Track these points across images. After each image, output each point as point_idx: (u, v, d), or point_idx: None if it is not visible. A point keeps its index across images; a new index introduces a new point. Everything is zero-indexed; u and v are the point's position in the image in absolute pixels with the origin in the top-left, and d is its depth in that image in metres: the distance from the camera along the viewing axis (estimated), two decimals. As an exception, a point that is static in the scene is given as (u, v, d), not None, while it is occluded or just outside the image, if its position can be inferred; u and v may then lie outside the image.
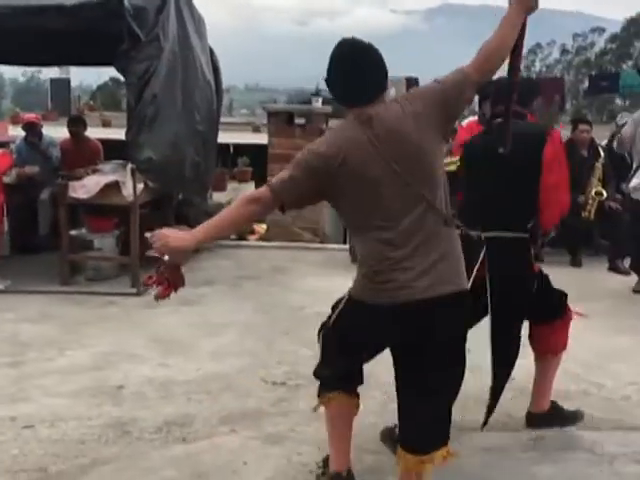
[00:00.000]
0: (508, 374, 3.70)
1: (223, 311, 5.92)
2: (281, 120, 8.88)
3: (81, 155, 8.02)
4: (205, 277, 7.02)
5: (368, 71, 2.64)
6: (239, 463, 3.42)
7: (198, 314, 5.81)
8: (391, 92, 12.89)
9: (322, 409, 3.18)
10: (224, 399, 4.15)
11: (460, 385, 2.78)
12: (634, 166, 6.46)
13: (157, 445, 3.59)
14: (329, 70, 2.69)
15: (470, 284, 3.00)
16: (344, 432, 3.14)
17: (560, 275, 7.36)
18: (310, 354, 4.89)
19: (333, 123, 13.01)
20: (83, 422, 3.81)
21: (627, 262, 7.30)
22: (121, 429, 3.74)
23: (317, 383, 4.38)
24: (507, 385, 4.40)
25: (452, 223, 2.66)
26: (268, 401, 4.15)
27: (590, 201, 7.65)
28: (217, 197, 9.34)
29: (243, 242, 8.84)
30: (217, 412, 3.97)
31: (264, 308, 6.01)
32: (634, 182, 6.34)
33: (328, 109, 9.18)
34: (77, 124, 8.53)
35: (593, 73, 18.89)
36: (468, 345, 2.75)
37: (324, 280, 6.94)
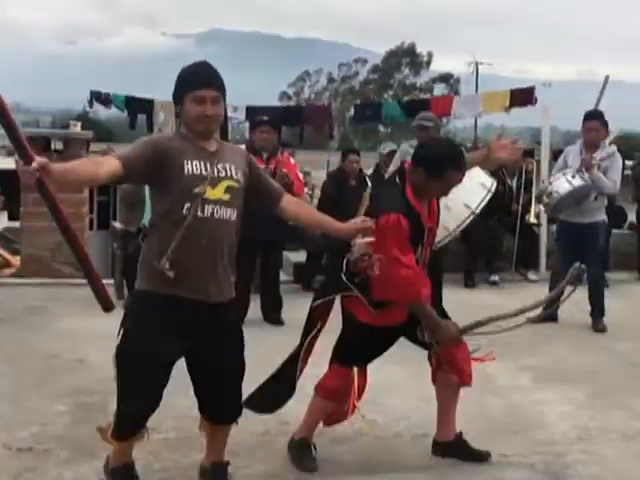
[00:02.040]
0: None
1: (-38, 364, 5.17)
2: (36, 145, 8.11)
3: None
4: (-56, 323, 6.19)
5: None
6: None
7: None
8: (160, 116, 12.34)
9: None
10: (-45, 476, 3.54)
11: None
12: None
13: None
14: None
15: None
16: None
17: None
18: (63, 410, 4.38)
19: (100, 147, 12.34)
20: None
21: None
22: None
23: (69, 446, 3.90)
24: (279, 429, 4.21)
25: None
26: (10, 473, 3.57)
27: (359, 230, 7.71)
28: (-36, 230, 8.39)
29: (-7, 279, 7.99)
30: (-55, 494, 3.36)
31: (12, 357, 5.32)
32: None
33: (89, 134, 8.56)
34: None
35: (358, 102, 19.65)
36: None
37: (86, 320, 6.34)
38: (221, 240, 3.15)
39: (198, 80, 3.10)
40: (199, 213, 3.06)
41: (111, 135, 32.55)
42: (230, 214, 3.15)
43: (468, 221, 5.67)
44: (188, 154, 3.10)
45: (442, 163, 3.46)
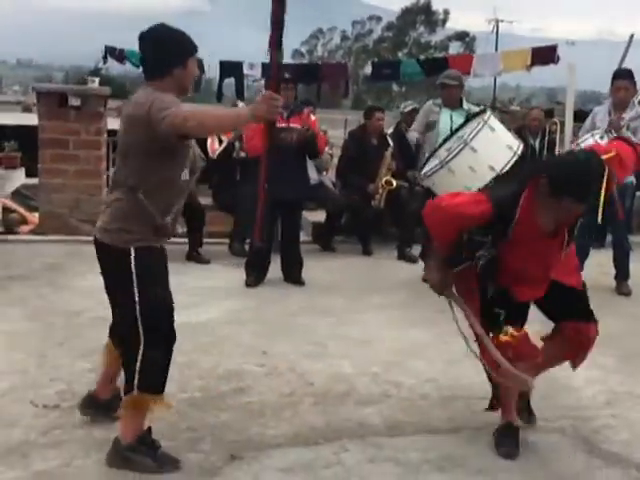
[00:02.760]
0: None
1: (-15, 320, 5.16)
2: (53, 101, 8.02)
3: None
4: (-35, 279, 6.17)
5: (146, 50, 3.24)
6: (0, 515, 2.87)
7: (-45, 325, 5.03)
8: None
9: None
10: (-17, 432, 3.53)
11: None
12: (425, 155, 6.45)
13: None
14: None
15: None
16: None
17: (352, 264, 7.43)
18: (88, 367, 4.36)
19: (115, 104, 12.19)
20: None
21: (416, 250, 7.35)
22: None
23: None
24: (305, 391, 4.19)
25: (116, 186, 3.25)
26: (38, 429, 3.57)
27: (380, 190, 7.65)
28: (-19, 185, 8.35)
29: (11, 236, 7.95)
30: (-26, 450, 3.35)
31: (36, 314, 5.31)
32: (426, 169, 6.32)
33: (107, 90, 8.46)
34: None
35: (375, 60, 19.35)
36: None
37: (105, 278, 6.34)
38: None
39: (194, 44, 3.27)
40: (185, 177, 3.32)
41: (125, 92, 32.25)
42: None
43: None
44: None
45: (561, 186, 3.15)
